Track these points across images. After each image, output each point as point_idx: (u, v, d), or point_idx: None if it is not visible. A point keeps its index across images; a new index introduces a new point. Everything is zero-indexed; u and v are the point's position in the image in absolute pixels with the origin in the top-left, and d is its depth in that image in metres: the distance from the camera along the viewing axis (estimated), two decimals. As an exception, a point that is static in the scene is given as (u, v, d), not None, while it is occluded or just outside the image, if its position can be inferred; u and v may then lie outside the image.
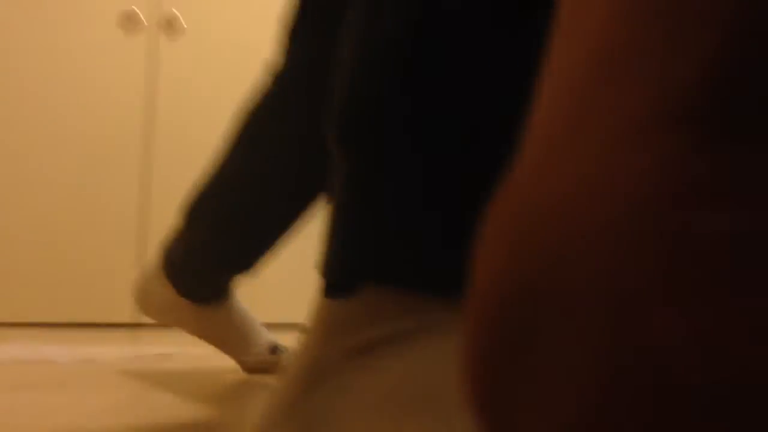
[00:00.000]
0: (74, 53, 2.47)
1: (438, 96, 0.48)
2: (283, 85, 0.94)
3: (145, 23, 2.44)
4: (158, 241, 2.33)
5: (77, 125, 2.44)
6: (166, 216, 2.43)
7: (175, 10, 2.48)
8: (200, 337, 1.03)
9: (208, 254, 1.00)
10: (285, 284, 2.34)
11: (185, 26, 2.48)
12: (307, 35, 0.93)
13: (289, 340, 1.69)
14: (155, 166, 2.46)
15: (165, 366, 1.12)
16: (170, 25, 2.47)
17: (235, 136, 0.96)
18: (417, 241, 0.48)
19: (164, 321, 1.05)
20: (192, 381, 0.95)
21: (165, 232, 2.37)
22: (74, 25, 2.48)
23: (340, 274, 0.50)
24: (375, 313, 0.46)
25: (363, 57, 0.51)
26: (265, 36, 2.48)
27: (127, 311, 2.32)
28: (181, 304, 0.99)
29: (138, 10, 2.46)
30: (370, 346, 0.45)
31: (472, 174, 0.47)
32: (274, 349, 1.03)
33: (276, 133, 0.94)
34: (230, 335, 1.02)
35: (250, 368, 1.05)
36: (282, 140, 0.93)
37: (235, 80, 2.44)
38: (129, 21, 2.43)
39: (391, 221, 0.49)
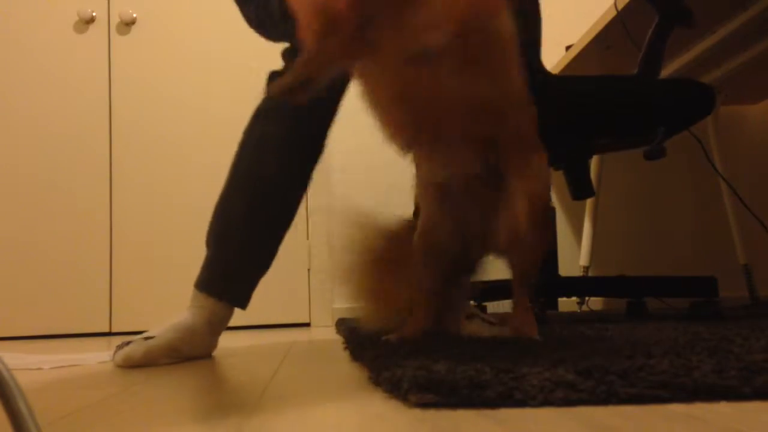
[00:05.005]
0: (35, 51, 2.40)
1: None
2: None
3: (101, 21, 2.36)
4: (125, 246, 2.33)
5: (46, 123, 2.35)
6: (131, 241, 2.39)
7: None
8: None
9: None
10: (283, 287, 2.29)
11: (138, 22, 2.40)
12: None
13: (287, 339, 1.66)
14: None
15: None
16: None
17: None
18: None
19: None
20: (172, 375, 0.92)
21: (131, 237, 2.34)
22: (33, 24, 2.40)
23: None
24: None
25: None
26: (219, 34, 2.40)
27: (101, 322, 2.30)
28: None
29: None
30: None
31: None
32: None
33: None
34: None
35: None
36: None
37: (188, 73, 2.39)
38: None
39: None
